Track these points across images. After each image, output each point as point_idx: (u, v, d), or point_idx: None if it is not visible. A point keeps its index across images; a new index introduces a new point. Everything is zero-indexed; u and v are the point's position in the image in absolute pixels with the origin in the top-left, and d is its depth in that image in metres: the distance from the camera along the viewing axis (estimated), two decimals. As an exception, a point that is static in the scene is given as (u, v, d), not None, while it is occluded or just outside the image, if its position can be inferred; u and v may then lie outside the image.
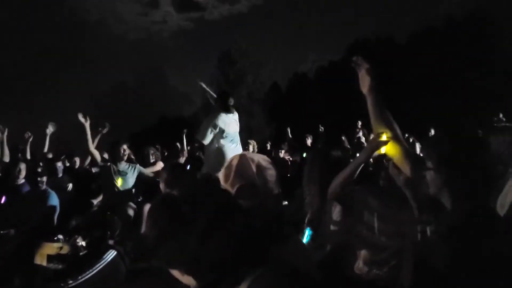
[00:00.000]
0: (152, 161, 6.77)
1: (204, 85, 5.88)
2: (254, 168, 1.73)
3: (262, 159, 1.81)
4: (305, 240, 2.88)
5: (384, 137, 1.99)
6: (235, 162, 1.79)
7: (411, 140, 7.89)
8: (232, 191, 1.68)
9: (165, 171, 3.57)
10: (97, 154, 5.56)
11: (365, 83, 2.04)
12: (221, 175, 1.82)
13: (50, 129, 6.79)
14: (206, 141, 5.19)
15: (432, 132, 8.72)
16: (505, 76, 25.35)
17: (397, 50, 33.14)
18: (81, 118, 5.43)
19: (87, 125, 5.40)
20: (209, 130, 5.14)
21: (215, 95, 5.72)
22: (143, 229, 5.14)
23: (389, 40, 36.54)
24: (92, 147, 5.47)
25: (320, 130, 10.25)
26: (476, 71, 27.53)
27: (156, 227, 1.11)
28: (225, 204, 1.15)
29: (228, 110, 5.31)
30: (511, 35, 27.07)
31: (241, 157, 1.82)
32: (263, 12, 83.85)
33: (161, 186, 3.42)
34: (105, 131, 6.22)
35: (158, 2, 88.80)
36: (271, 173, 1.77)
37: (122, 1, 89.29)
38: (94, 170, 6.81)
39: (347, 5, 76.83)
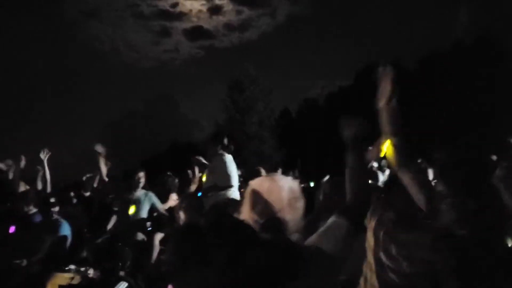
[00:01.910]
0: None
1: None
2: (285, 198, 1.57)
3: (292, 187, 1.64)
4: None
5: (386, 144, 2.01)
6: (263, 189, 1.60)
7: (423, 166, 7.80)
8: (259, 220, 1.54)
9: (184, 201, 3.62)
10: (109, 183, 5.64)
11: (384, 93, 2.05)
12: (246, 201, 1.64)
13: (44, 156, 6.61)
14: (236, 183, 4.79)
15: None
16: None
17: (405, 75, 33.21)
18: (98, 148, 5.52)
19: (102, 156, 5.49)
20: (232, 171, 4.81)
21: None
22: (153, 258, 5.13)
23: (398, 65, 36.67)
24: (104, 176, 5.56)
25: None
26: (485, 95, 27.44)
27: (178, 254, 1.11)
28: (249, 238, 1.14)
29: (228, 150, 5.03)
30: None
31: (271, 183, 1.63)
32: (273, 39, 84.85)
33: (181, 215, 3.44)
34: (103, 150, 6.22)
35: (170, 31, 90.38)
36: (300, 204, 1.62)
37: (134, 30, 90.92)
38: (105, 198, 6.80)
39: (355, 31, 77.58)
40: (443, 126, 26.68)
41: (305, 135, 37.37)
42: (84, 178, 7.47)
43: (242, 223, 1.27)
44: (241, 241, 1.12)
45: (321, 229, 1.47)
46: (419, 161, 8.14)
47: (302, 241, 1.47)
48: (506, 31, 30.39)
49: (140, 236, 5.23)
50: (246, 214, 1.60)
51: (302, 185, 9.01)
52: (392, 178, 2.35)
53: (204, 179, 4.83)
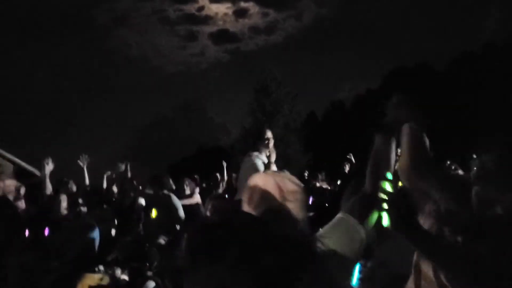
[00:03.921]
0: (187, 193, 6.90)
1: None
2: (278, 190, 1.58)
3: (289, 180, 1.65)
4: (356, 276, 2.69)
5: None
6: (260, 183, 1.63)
7: (453, 168, 7.68)
8: (254, 213, 1.55)
9: (209, 203, 3.66)
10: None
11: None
12: (244, 196, 1.67)
13: (83, 162, 6.89)
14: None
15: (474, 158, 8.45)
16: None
17: (435, 77, 32.72)
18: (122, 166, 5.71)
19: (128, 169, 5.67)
20: None
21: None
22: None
23: (427, 67, 36.13)
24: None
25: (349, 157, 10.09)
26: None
27: (189, 250, 1.12)
28: (261, 237, 1.14)
29: None
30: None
31: (267, 177, 1.66)
32: (299, 41, 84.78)
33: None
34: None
35: (196, 35, 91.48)
36: (298, 197, 1.61)
37: (161, 35, 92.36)
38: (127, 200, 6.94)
39: (383, 32, 76.79)
40: (474, 128, 26.15)
41: (331, 138, 37.16)
42: (105, 176, 7.64)
43: (254, 220, 1.27)
44: (252, 239, 1.10)
45: (327, 225, 1.47)
46: (448, 162, 8.00)
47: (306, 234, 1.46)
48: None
49: (167, 237, 5.28)
50: (244, 210, 1.62)
51: (330, 188, 8.99)
52: None
53: None
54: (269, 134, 4.88)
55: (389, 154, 1.73)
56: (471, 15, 59.25)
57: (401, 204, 1.55)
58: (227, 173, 8.89)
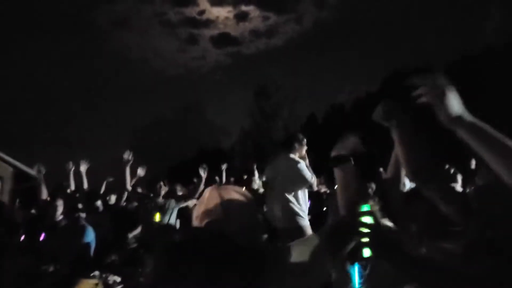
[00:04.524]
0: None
1: None
2: (220, 203, 1.60)
3: (234, 192, 1.68)
4: (356, 280, 2.64)
5: None
6: (205, 197, 1.68)
7: (452, 171, 7.62)
8: (199, 226, 1.57)
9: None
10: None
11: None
12: (194, 211, 1.70)
13: (83, 167, 6.85)
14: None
15: (473, 162, 8.42)
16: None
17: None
18: (125, 156, 5.64)
19: (128, 164, 5.62)
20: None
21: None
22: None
23: (427, 70, 36.09)
24: (128, 184, 5.66)
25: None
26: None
27: (157, 269, 1.13)
28: (226, 252, 1.15)
29: None
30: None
31: (211, 191, 1.70)
32: (299, 44, 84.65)
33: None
34: (130, 157, 6.17)
35: (197, 38, 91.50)
36: (244, 207, 1.65)
37: (162, 38, 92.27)
38: (129, 206, 6.89)
39: (383, 35, 76.83)
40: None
41: (331, 140, 37.15)
42: (105, 183, 7.60)
43: (219, 237, 1.30)
44: (218, 256, 1.13)
45: (299, 240, 1.52)
46: (446, 166, 7.95)
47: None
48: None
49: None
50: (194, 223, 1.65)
51: (328, 191, 8.93)
52: (413, 188, 2.27)
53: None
54: (304, 139, 5.19)
55: (356, 184, 1.82)
56: (471, 15, 59.17)
57: (383, 234, 1.54)
58: (226, 176, 8.84)
